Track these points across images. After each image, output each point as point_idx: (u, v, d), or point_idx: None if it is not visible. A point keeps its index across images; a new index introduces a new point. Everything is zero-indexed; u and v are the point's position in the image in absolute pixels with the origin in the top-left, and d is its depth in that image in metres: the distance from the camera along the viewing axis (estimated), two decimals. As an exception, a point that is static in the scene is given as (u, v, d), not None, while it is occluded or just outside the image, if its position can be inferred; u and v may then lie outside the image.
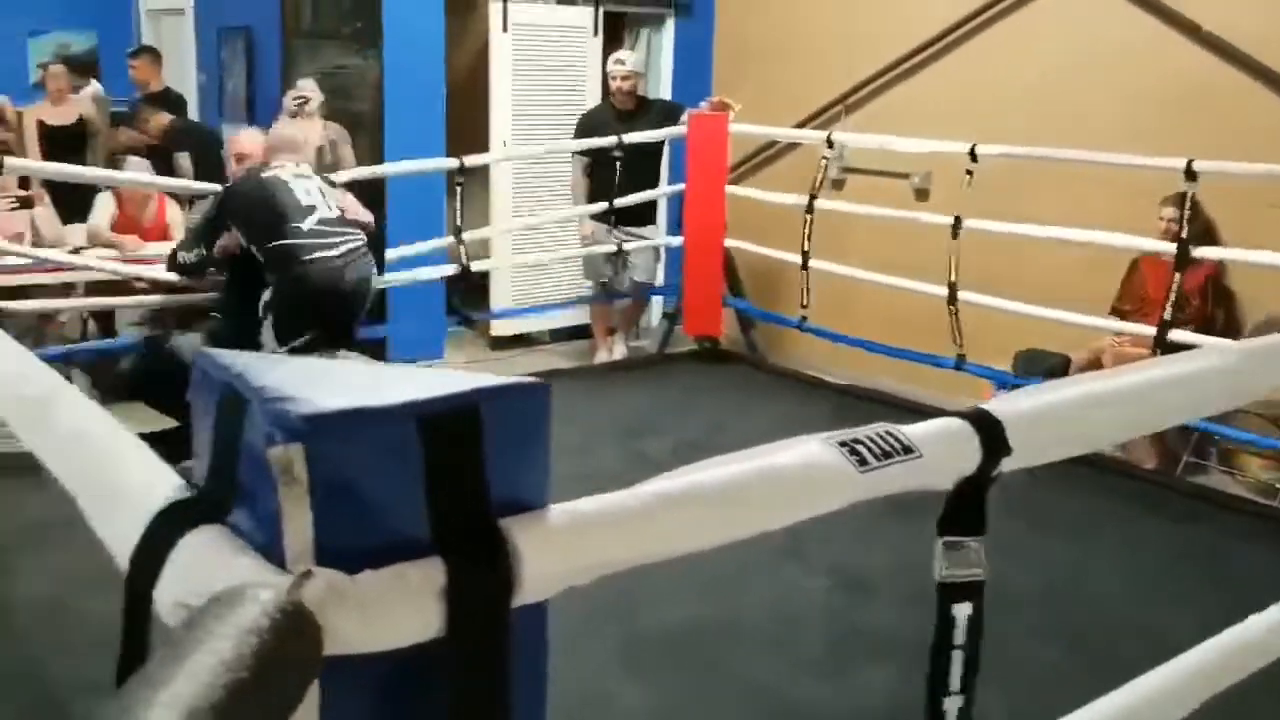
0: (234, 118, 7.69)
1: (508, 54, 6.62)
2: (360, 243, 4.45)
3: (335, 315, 4.31)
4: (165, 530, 0.81)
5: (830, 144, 5.64)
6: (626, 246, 6.18)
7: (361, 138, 6.24)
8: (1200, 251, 4.56)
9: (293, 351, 3.97)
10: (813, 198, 5.59)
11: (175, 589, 0.78)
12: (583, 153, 6.28)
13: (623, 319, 6.81)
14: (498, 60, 6.61)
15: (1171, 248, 4.62)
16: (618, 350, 6.67)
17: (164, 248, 5.77)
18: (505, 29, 6.55)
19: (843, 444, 0.99)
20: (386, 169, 5.61)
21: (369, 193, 6.11)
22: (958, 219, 4.97)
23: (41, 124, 6.91)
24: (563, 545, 0.83)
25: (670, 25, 7.32)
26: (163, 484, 0.87)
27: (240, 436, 0.78)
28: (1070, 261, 5.31)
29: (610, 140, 5.87)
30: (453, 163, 5.33)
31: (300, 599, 0.69)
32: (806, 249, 5.64)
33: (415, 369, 0.89)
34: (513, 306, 6.85)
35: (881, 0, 6.49)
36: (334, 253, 4.27)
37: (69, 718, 2.53)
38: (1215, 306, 5.10)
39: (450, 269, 5.51)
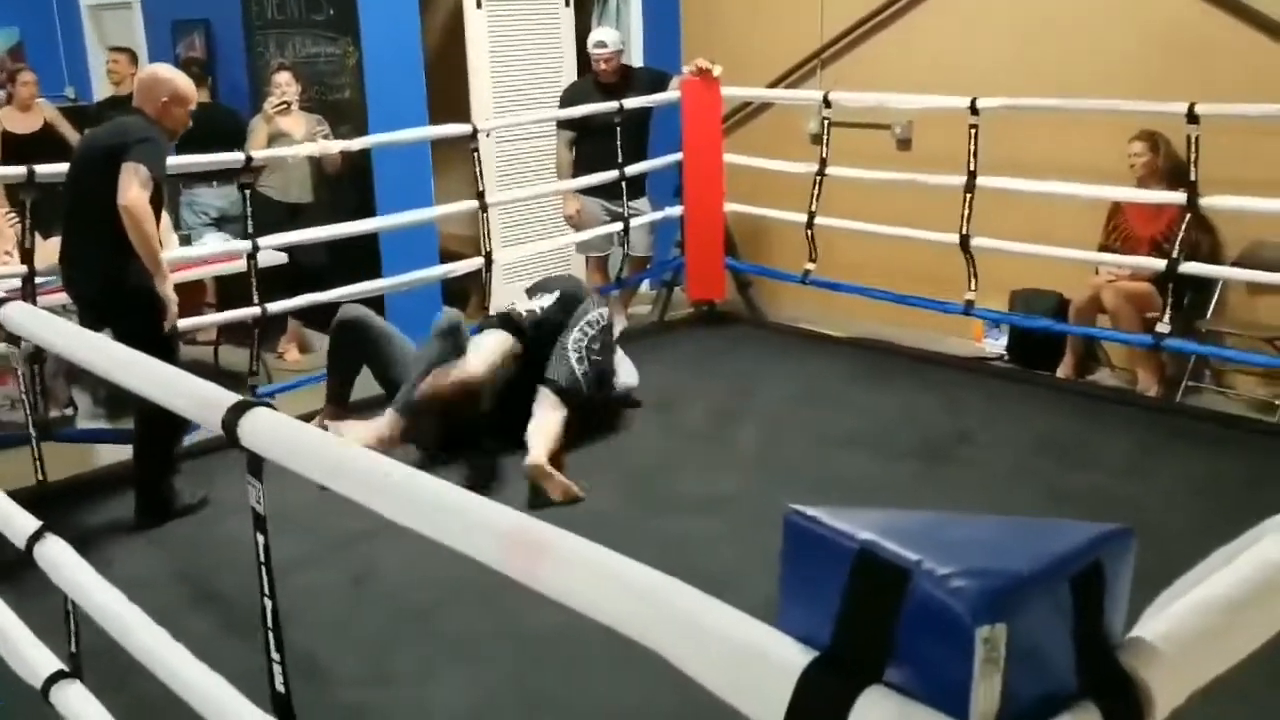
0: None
1: (483, 31, 6.55)
2: None
3: None
4: (822, 689, 0.91)
5: (828, 104, 5.70)
6: (634, 222, 6.01)
7: (344, 125, 6.18)
8: (1207, 202, 4.71)
9: None
10: (823, 162, 5.70)
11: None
12: (567, 128, 6.15)
13: (621, 298, 6.78)
14: (474, 38, 6.55)
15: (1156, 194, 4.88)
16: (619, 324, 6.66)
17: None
18: (479, 5, 6.49)
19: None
20: (403, 135, 5.52)
21: (355, 175, 6.06)
22: (972, 175, 5.12)
23: (7, 133, 6.62)
24: (1178, 675, 0.97)
25: (637, -10, 7.30)
26: (778, 640, 0.97)
27: (898, 605, 0.89)
28: (1055, 202, 5.46)
29: (611, 106, 5.72)
30: (466, 129, 5.27)
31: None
32: (814, 209, 5.77)
33: (1005, 520, 0.99)
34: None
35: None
36: None
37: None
38: (1200, 234, 5.29)
39: (474, 263, 5.43)
